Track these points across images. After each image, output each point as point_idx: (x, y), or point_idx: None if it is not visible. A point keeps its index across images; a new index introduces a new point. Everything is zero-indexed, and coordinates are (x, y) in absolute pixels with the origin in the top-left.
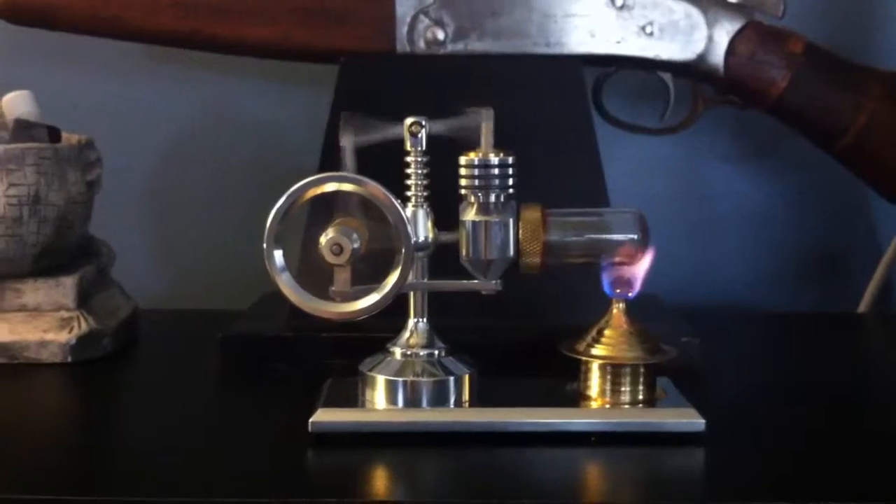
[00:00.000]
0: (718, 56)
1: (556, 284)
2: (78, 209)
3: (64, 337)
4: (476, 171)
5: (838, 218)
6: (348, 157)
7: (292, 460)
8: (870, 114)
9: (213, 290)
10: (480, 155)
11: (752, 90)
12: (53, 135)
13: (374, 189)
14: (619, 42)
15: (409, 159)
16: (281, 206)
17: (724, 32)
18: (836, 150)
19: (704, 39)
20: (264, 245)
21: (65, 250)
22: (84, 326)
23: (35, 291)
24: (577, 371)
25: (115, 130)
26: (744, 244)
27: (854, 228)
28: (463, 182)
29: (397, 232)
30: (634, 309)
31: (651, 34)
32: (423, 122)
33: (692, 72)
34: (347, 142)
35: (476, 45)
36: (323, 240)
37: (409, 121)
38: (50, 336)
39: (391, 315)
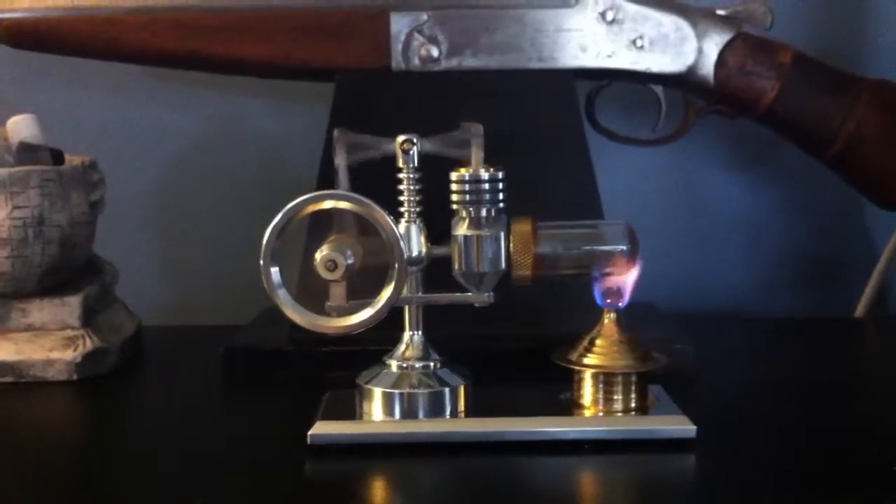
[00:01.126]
0: (708, 68)
1: (548, 295)
2: (82, 229)
3: (69, 355)
4: (467, 187)
5: (833, 223)
6: (341, 174)
7: (292, 472)
8: (858, 121)
9: (216, 306)
10: (471, 170)
11: (742, 100)
12: (57, 157)
13: (368, 206)
14: (610, 56)
15: (401, 176)
16: (277, 224)
17: (714, 44)
18: (826, 158)
19: (694, 52)
20: (261, 262)
21: (69, 270)
22: (89, 344)
23: (40, 311)
24: (570, 380)
25: (118, 150)
26: (739, 251)
27: (849, 233)
28: (454, 197)
29: (391, 247)
30: (630, 317)
31: (641, 47)
32: (415, 140)
33: (683, 83)
34: (340, 159)
35: (470, 61)
36: (318, 256)
37: (400, 138)
38: (55, 354)
39: (389, 328)
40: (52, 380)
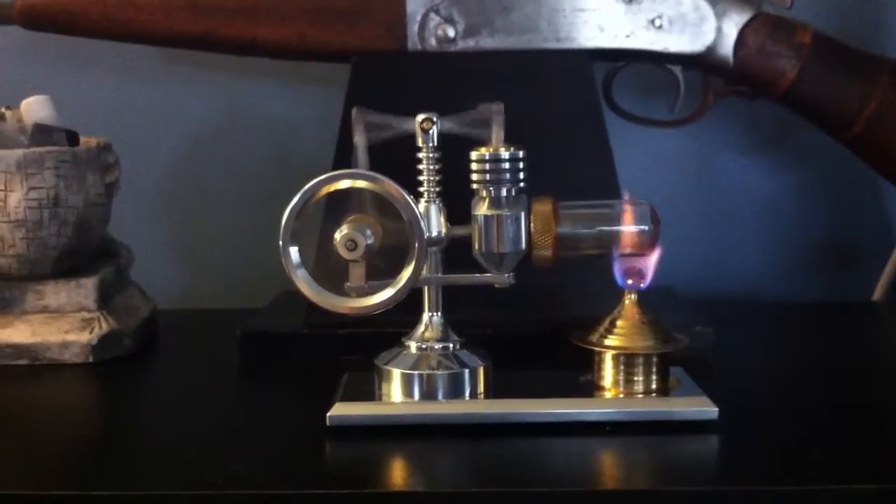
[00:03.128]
0: (728, 48)
1: (569, 277)
2: (97, 211)
3: (85, 337)
4: (487, 166)
5: (851, 207)
6: (360, 154)
7: (311, 453)
8: (879, 102)
9: (231, 289)
10: (491, 149)
11: (761, 81)
12: (72, 138)
13: (387, 185)
14: (628, 36)
15: (420, 155)
16: (296, 204)
17: (733, 24)
18: (846, 139)
19: (713, 31)
20: (280, 243)
21: (85, 252)
22: (105, 327)
23: (56, 293)
24: (590, 362)
25: (132, 132)
26: (757, 235)
27: (866, 217)
28: (474, 177)
29: (410, 227)
30: (648, 299)
31: (660, 27)
32: (435, 119)
33: (702, 64)
34: (359, 139)
35: (486, 42)
36: (337, 236)
37: (420, 117)
38: (71, 337)
39: (406, 310)
40: (69, 362)
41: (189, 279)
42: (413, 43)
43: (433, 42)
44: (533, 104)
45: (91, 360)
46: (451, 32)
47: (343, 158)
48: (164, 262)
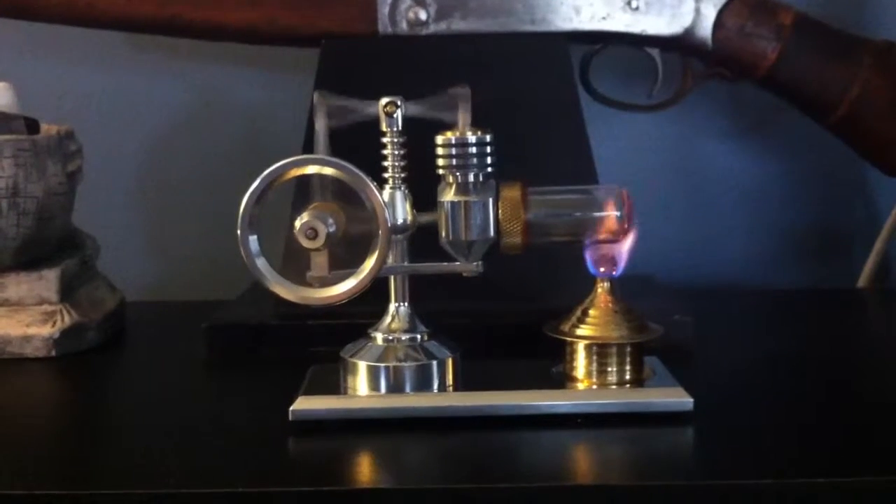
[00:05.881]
0: (706, 29)
1: (542, 266)
2: (59, 201)
3: (47, 330)
4: (453, 151)
5: (835, 193)
6: (321, 139)
7: (274, 449)
8: (863, 85)
9: (201, 281)
10: (457, 133)
11: (741, 63)
12: (31, 126)
13: (350, 171)
14: (604, 18)
15: (385, 140)
16: (254, 190)
17: (712, 5)
18: (830, 123)
19: (692, 13)
20: (238, 230)
21: (47, 243)
22: (67, 319)
23: (17, 285)
24: (562, 353)
25: (100, 121)
26: (740, 222)
27: (851, 203)
28: (440, 162)
29: (374, 214)
30: (628, 288)
31: (637, 9)
32: (399, 103)
33: (680, 46)
34: (321, 124)
35: (460, 25)
36: (297, 224)
37: (383, 101)
38: (33, 330)
39: (378, 301)
40: (30, 356)
41: (160, 270)
42: (384, 26)
43: (404, 25)
44: (508, 89)
45: (54, 353)
46: (422, 15)
47: (311, 145)
48: (133, 253)
